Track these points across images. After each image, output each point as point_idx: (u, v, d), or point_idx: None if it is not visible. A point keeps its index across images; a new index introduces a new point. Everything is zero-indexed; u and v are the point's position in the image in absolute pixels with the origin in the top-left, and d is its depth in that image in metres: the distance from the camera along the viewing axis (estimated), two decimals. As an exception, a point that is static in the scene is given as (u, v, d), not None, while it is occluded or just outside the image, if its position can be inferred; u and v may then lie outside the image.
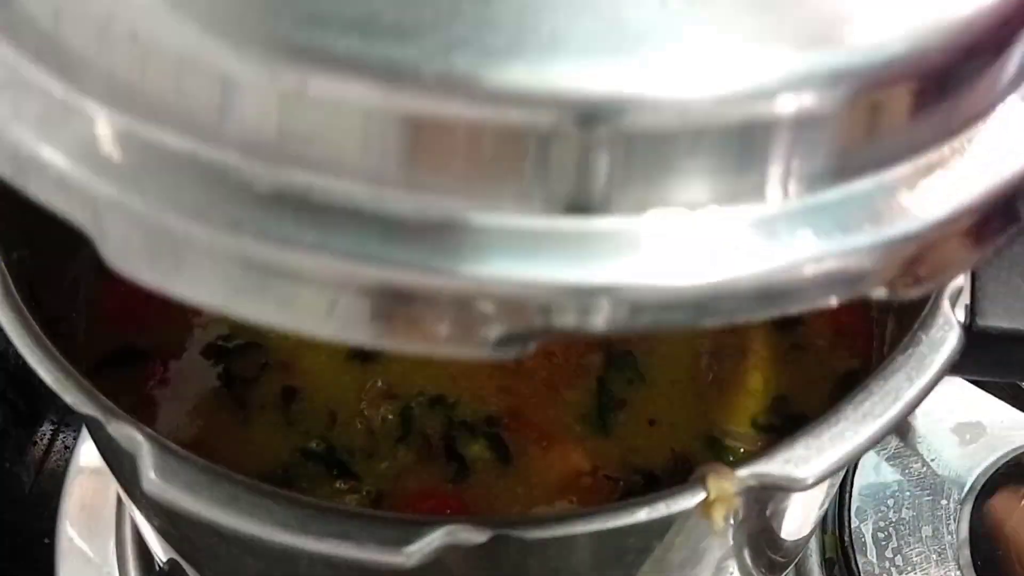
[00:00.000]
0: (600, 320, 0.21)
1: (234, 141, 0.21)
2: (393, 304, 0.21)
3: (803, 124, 0.21)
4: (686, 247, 0.21)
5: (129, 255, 0.22)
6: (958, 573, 0.49)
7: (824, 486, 0.41)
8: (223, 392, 0.46)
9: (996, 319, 0.31)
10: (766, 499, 0.36)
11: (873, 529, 0.51)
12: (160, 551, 0.46)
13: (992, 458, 0.52)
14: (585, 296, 0.21)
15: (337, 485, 0.43)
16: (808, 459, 0.31)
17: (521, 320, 0.21)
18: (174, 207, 0.21)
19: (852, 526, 0.51)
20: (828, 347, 0.47)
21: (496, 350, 0.21)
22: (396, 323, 0.21)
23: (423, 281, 0.21)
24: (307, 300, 0.22)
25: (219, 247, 0.21)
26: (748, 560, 0.41)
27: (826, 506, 0.48)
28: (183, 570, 0.42)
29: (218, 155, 0.21)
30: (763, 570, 0.44)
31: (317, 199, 0.21)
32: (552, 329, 0.21)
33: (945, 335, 0.33)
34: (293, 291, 0.22)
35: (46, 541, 0.51)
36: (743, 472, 0.31)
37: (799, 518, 0.43)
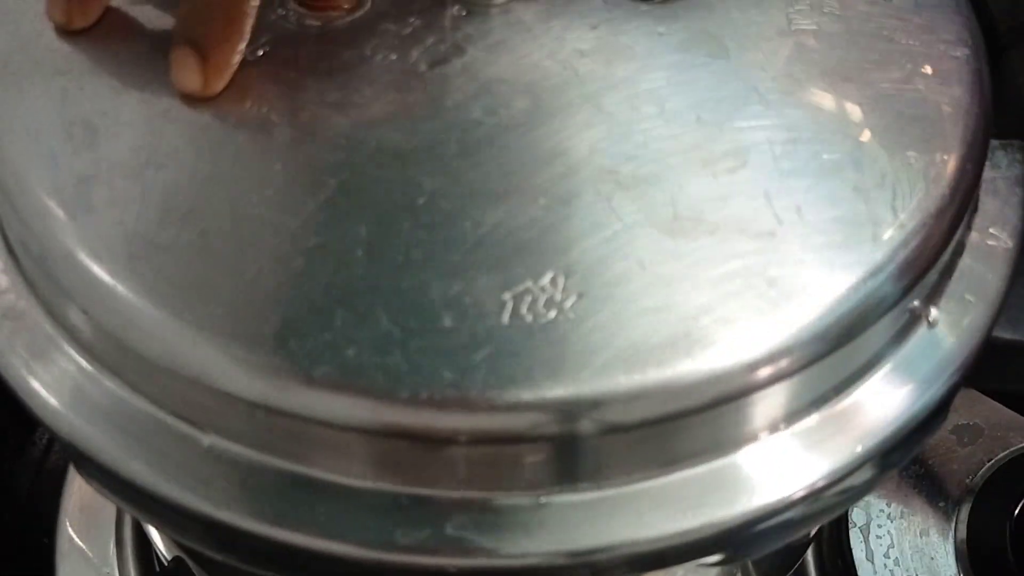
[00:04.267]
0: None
1: (244, 439, 0.23)
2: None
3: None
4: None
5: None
6: (957, 574, 0.49)
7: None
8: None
9: (1001, 330, 0.31)
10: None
11: (871, 530, 0.50)
12: (164, 548, 0.45)
13: (990, 460, 0.52)
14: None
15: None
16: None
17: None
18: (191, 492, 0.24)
19: (849, 527, 0.51)
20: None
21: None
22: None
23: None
24: None
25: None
26: (748, 561, 0.42)
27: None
28: (188, 567, 0.42)
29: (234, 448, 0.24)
30: (763, 571, 0.44)
31: (329, 491, 0.23)
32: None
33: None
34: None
35: (46, 541, 0.50)
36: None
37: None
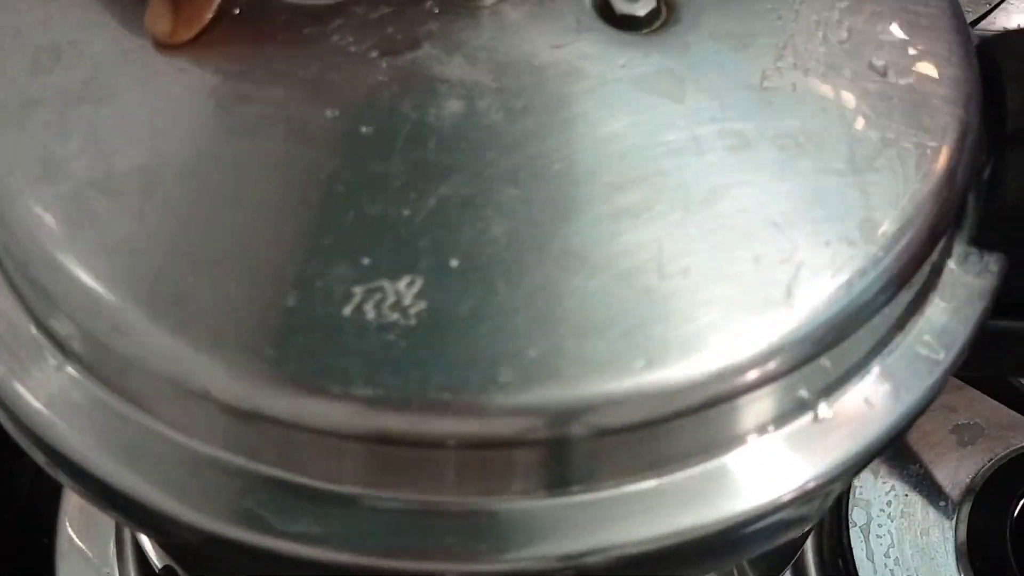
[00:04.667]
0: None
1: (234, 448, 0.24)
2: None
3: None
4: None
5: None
6: (957, 574, 0.49)
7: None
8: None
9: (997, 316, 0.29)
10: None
11: (871, 530, 0.50)
12: (156, 557, 0.46)
13: (990, 459, 0.51)
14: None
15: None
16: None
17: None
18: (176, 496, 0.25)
19: (850, 527, 0.50)
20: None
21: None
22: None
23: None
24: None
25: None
26: (746, 561, 0.41)
27: (823, 507, 0.46)
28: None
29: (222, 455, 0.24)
30: (762, 570, 0.43)
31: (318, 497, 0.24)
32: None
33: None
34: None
35: (46, 541, 0.50)
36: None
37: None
